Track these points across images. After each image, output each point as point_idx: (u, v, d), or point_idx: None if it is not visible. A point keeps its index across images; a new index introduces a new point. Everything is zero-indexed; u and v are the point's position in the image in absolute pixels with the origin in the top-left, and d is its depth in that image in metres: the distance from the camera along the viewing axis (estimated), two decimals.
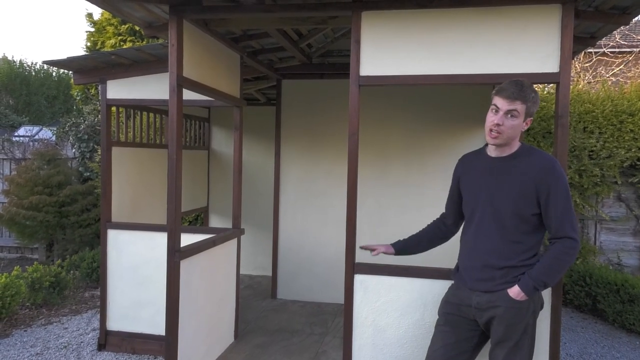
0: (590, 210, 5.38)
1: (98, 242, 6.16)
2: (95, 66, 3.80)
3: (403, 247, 2.53)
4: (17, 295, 4.37)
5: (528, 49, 2.44)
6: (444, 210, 2.52)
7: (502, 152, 2.14)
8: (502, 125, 2.03)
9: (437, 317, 2.40)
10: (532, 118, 2.10)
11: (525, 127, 2.10)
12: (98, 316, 4.50)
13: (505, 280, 2.08)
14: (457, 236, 2.43)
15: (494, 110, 2.07)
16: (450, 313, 2.23)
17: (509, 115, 2.03)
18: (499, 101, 2.05)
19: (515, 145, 2.13)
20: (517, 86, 2.03)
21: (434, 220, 2.55)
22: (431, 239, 2.51)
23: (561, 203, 2.01)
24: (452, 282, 2.33)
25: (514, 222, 2.07)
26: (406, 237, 2.56)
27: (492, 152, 2.18)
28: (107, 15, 9.20)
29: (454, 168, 2.39)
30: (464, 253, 2.26)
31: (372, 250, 2.56)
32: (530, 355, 2.12)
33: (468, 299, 2.17)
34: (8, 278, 4.32)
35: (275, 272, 5.06)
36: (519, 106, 2.03)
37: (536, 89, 6.39)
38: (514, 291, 2.04)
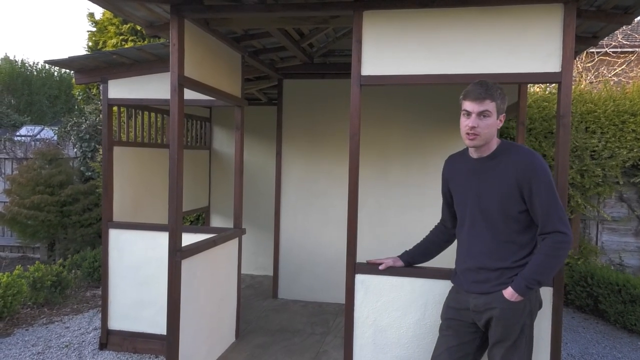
0: (592, 211, 5.37)
1: (99, 242, 6.17)
2: (96, 66, 3.80)
3: (411, 258, 2.53)
4: (18, 295, 4.38)
5: (529, 48, 2.44)
6: (440, 219, 2.52)
7: (482, 153, 2.15)
8: (477, 127, 2.05)
9: (438, 316, 2.41)
10: (504, 114, 2.12)
11: (500, 125, 2.11)
12: (99, 315, 4.50)
13: (500, 282, 2.08)
14: None
15: (465, 115, 2.09)
16: (451, 318, 2.23)
17: (482, 116, 2.05)
18: (468, 105, 2.07)
19: (494, 144, 2.14)
20: (483, 86, 2.06)
21: (435, 226, 2.54)
22: (439, 245, 2.50)
23: (545, 197, 1.98)
24: (452, 284, 2.33)
25: (503, 221, 2.07)
26: (411, 247, 2.55)
27: (473, 153, 2.20)
28: (108, 14, 9.21)
29: (442, 170, 2.39)
30: (459, 256, 2.27)
31: (379, 264, 2.56)
32: (529, 355, 2.12)
33: (466, 302, 2.17)
34: (10, 277, 4.33)
35: (277, 272, 5.06)
36: (490, 105, 2.05)
37: (538, 88, 6.40)
38: (508, 292, 2.04)
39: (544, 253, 2.00)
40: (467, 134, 2.08)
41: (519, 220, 2.06)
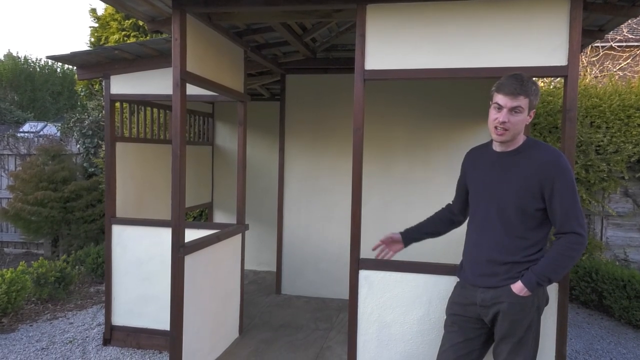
0: (597, 206, 5.33)
1: (103, 238, 6.17)
2: (98, 61, 3.79)
3: (409, 233, 2.51)
4: (22, 291, 4.39)
5: (535, 42, 2.41)
6: (450, 202, 2.52)
7: (507, 147, 2.12)
8: (507, 122, 2.01)
9: (442, 312, 2.39)
10: (534, 110, 2.09)
11: (529, 120, 2.08)
12: (103, 311, 4.51)
13: (508, 276, 2.06)
14: (462, 232, 2.40)
15: (496, 108, 2.04)
16: (457, 314, 2.22)
17: (514, 112, 2.01)
18: (501, 98, 2.02)
19: (520, 140, 2.12)
20: (518, 81, 2.00)
21: (441, 209, 2.54)
22: (437, 224, 2.49)
23: (566, 197, 1.97)
24: (458, 280, 2.31)
25: (518, 217, 2.05)
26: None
27: (497, 147, 2.17)
28: (110, 10, 9.18)
29: (462, 161, 2.38)
30: (468, 248, 2.25)
31: (380, 246, 2.55)
32: (535, 351, 2.10)
33: (473, 297, 2.15)
34: (14, 273, 4.34)
35: (280, 268, 5.05)
36: (523, 101, 2.00)
37: (542, 83, 6.35)
38: (517, 287, 2.02)
39: (557, 251, 1.99)
40: (496, 127, 2.04)
41: (534, 218, 2.05)
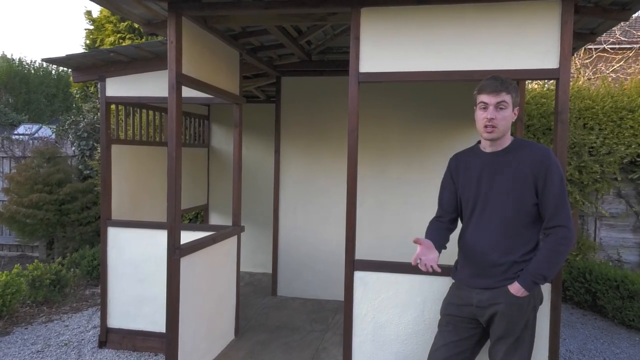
0: (590, 207, 5.37)
1: (98, 240, 6.16)
2: (94, 64, 3.79)
3: (439, 246, 2.26)
4: (17, 293, 4.38)
5: (527, 45, 2.44)
6: (433, 217, 2.40)
7: (497, 147, 2.16)
8: (495, 118, 2.07)
9: (437, 313, 2.41)
10: (518, 108, 2.16)
11: (514, 117, 2.14)
12: (99, 314, 4.50)
13: (505, 277, 2.08)
14: (456, 233, 2.41)
15: (482, 108, 2.11)
16: (452, 314, 2.23)
17: (499, 108, 2.08)
18: (485, 97, 2.10)
19: (508, 139, 2.16)
20: (498, 80, 2.10)
21: (430, 222, 2.40)
22: (441, 241, 2.34)
23: (557, 191, 2.03)
24: (453, 281, 2.33)
25: (514, 215, 2.09)
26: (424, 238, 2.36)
27: (486, 148, 2.20)
28: (106, 12, 9.18)
29: (447, 166, 2.35)
30: (463, 249, 2.26)
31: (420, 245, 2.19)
32: (530, 350, 2.13)
33: (469, 297, 2.17)
34: (9, 276, 4.33)
35: (276, 270, 5.06)
36: (506, 97, 2.08)
37: (536, 85, 6.39)
38: (515, 288, 2.05)
39: (548, 248, 2.03)
40: (485, 126, 2.10)
41: (529, 214, 2.09)
